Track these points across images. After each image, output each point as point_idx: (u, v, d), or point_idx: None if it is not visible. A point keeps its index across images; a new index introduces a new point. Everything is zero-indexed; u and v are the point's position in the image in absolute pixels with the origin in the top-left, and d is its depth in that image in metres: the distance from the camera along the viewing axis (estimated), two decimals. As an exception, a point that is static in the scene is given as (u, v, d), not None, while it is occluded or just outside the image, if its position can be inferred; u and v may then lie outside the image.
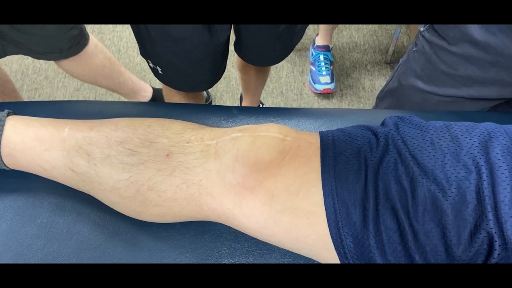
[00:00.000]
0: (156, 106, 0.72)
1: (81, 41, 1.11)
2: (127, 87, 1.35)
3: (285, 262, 0.55)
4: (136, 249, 0.56)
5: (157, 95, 1.48)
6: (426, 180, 0.45)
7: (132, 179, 0.51)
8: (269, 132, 0.51)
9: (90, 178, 0.53)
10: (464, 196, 0.43)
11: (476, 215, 0.42)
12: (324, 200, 0.47)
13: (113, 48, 1.81)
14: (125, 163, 0.51)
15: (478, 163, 0.44)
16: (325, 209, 0.47)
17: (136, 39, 0.87)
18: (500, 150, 0.44)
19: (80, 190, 0.57)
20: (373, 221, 0.45)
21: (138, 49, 0.90)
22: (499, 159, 0.43)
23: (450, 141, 0.47)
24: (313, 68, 1.70)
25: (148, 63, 0.91)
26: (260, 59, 1.02)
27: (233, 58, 1.57)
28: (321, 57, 1.69)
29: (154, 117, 0.57)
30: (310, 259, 0.55)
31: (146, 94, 1.45)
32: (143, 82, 1.45)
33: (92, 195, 0.56)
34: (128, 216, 0.55)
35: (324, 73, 1.67)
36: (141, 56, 1.72)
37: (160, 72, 0.90)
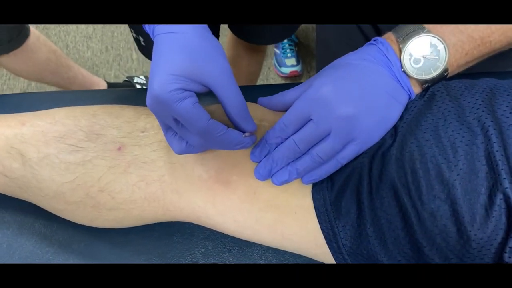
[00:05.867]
0: (121, 92, 0.64)
1: (22, 32, 1.02)
2: (78, 82, 1.26)
3: (268, 260, 0.51)
4: (92, 261, 0.51)
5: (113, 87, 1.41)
6: (427, 148, 0.38)
7: (78, 180, 0.44)
8: None
9: (28, 183, 0.46)
10: (472, 163, 0.37)
11: (488, 184, 0.36)
12: (312, 189, 0.41)
13: (60, 44, 1.69)
14: (68, 162, 0.44)
15: (484, 123, 0.38)
16: (313, 200, 0.40)
17: None
18: (507, 107, 0.38)
19: (19, 198, 0.50)
20: (369, 206, 0.39)
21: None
22: (507, 117, 0.38)
23: (450, 101, 0.41)
24: (277, 51, 1.64)
25: (132, 32, 0.86)
26: (258, 36, 0.94)
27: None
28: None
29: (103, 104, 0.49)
30: (295, 254, 0.50)
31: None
32: (96, 77, 1.37)
33: (34, 203, 0.49)
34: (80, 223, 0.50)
35: (289, 55, 1.61)
36: (91, 51, 1.64)
37: (142, 43, 0.84)
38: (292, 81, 1.65)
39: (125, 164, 0.44)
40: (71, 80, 1.22)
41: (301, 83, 0.44)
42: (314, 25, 1.77)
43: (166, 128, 0.40)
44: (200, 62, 0.36)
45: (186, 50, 0.36)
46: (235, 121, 0.39)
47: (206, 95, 0.39)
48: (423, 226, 0.37)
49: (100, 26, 1.70)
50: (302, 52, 1.69)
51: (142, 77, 1.52)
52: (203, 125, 0.36)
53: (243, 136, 0.40)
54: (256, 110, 0.45)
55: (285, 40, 1.63)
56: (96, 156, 0.44)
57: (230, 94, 0.38)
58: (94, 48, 1.66)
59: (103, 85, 1.38)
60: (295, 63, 1.61)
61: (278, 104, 0.43)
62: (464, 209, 0.36)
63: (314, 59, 1.69)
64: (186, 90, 0.36)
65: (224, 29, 0.99)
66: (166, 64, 0.36)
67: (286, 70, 1.61)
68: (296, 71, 1.61)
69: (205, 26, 0.39)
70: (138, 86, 1.49)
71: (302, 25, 1.77)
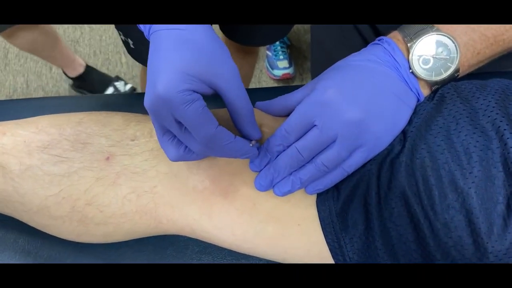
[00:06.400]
0: (109, 98, 0.61)
1: None
2: (57, 61, 1.39)
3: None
4: (81, 279, 0.46)
5: (89, 73, 1.48)
6: (439, 154, 0.36)
7: (63, 193, 0.41)
8: None
9: (9, 198, 0.42)
10: (488, 169, 0.35)
11: (506, 192, 0.34)
12: (316, 199, 0.38)
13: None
14: (53, 173, 0.41)
15: (499, 127, 0.36)
16: (318, 211, 0.38)
17: None
18: None
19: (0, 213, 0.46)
20: (378, 217, 0.36)
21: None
22: None
23: (461, 103, 0.38)
24: (269, 53, 1.62)
25: (120, 35, 0.83)
26: (251, 37, 0.92)
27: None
28: (277, 41, 1.61)
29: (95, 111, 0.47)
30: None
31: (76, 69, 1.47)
32: (77, 57, 1.46)
33: (16, 217, 0.46)
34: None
35: (281, 57, 1.59)
36: (79, 56, 1.59)
37: (131, 46, 0.82)
38: (285, 84, 1.63)
39: (114, 175, 0.41)
40: (51, 59, 1.37)
41: (294, 85, 0.41)
42: (306, 27, 1.75)
43: (163, 132, 0.36)
44: (213, 62, 0.34)
45: (196, 47, 0.33)
46: (243, 128, 0.37)
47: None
48: (436, 238, 0.35)
49: (87, 30, 1.67)
50: (294, 54, 1.67)
51: (128, 86, 1.50)
52: (211, 132, 0.33)
53: (250, 144, 0.37)
54: (255, 115, 0.42)
55: (277, 42, 1.60)
56: (83, 167, 0.41)
57: (241, 100, 0.35)
58: (82, 53, 1.62)
59: (81, 64, 1.46)
60: (287, 65, 1.59)
61: (278, 108, 0.41)
62: (480, 219, 0.34)
63: (306, 61, 1.67)
64: (195, 91, 0.33)
65: (215, 31, 0.97)
66: (173, 61, 0.33)
67: (279, 73, 1.58)
68: (288, 74, 1.58)
69: (210, 25, 0.36)
70: (110, 89, 1.49)
71: (294, 27, 1.75)
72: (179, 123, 0.34)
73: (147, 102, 0.34)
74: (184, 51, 0.33)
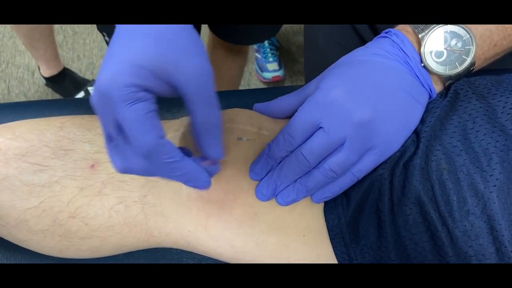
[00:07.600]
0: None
1: None
2: (37, 53, 1.36)
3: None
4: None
5: (63, 77, 1.44)
6: (456, 156, 0.33)
7: (44, 205, 0.38)
8: (236, 123, 0.39)
9: None
10: (510, 171, 0.32)
11: None
12: (324, 207, 0.35)
13: (29, 53, 1.60)
14: (32, 184, 0.38)
15: None
16: (326, 221, 0.35)
17: None
18: None
19: (-26, 228, 0.42)
20: (391, 225, 0.34)
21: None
22: None
23: (476, 100, 0.36)
24: (259, 56, 1.60)
25: (104, 36, 0.81)
26: (240, 36, 0.91)
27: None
28: (266, 43, 1.58)
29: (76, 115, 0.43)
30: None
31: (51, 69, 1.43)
32: (60, 59, 1.42)
33: None
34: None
35: (271, 59, 1.56)
36: (62, 60, 1.55)
37: None
38: (275, 86, 1.61)
39: (99, 184, 0.38)
40: (34, 50, 1.34)
41: (286, 86, 0.38)
42: (295, 28, 1.73)
43: (109, 137, 0.31)
44: (172, 54, 0.28)
45: (154, 36, 0.28)
46: (199, 140, 0.31)
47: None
48: (455, 247, 0.32)
49: (71, 33, 1.62)
50: (283, 57, 1.65)
51: None
52: (150, 143, 0.28)
53: (201, 164, 0.32)
54: (253, 117, 0.39)
55: (266, 44, 1.59)
56: (65, 176, 0.38)
57: (203, 103, 0.29)
58: (65, 57, 1.58)
59: (59, 66, 1.42)
60: (277, 67, 1.57)
61: (279, 110, 0.38)
62: (503, 226, 0.31)
63: (296, 64, 1.65)
64: (145, 89, 0.28)
65: (203, 31, 0.95)
66: (123, 50, 0.28)
67: (269, 75, 1.56)
68: (278, 76, 1.56)
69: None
70: (81, 94, 1.45)
71: (283, 28, 1.73)
72: (120, 126, 0.29)
73: (91, 99, 0.29)
74: (139, 38, 0.28)
